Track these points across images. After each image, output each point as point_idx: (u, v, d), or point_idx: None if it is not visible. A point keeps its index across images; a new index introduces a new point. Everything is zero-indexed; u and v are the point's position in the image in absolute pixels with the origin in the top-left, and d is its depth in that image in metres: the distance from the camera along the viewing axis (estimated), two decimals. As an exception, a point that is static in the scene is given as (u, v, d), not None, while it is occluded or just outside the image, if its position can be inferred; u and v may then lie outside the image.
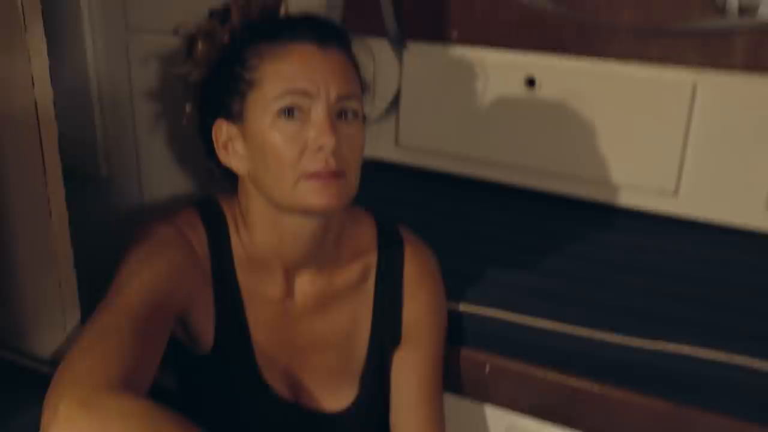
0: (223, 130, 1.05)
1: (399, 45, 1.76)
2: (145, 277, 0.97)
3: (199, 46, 1.07)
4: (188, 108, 1.12)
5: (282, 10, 1.09)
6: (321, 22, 1.04)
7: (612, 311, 1.24)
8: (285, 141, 0.98)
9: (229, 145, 1.05)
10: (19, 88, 1.07)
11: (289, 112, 0.99)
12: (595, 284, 1.33)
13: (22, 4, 1.02)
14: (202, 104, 1.09)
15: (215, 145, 1.06)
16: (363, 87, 1.08)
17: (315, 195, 0.98)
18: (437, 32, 1.71)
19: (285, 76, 0.99)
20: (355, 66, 1.06)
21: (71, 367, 0.82)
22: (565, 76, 1.60)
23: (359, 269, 1.15)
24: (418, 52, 1.76)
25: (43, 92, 1.08)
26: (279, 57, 1.00)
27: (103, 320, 0.90)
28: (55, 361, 1.21)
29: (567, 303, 1.26)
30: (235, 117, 1.03)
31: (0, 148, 1.14)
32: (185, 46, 1.09)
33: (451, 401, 1.24)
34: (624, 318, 1.21)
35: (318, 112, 0.99)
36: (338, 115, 1.00)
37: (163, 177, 1.77)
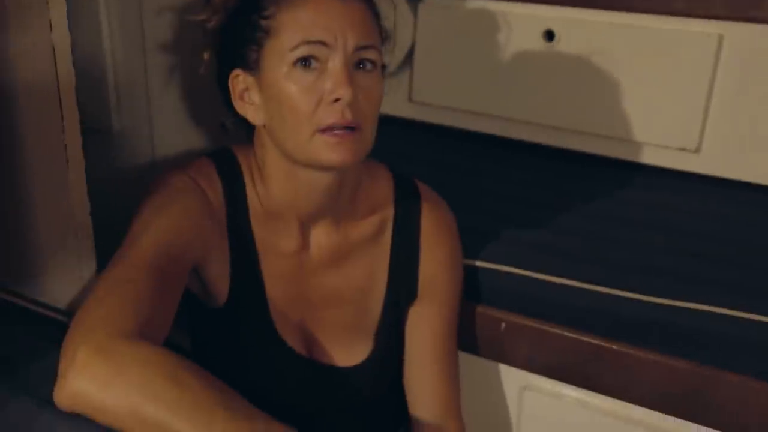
0: (239, 80, 1.03)
1: (413, 0, 1.73)
2: (159, 226, 0.97)
3: None
4: (206, 56, 1.10)
5: None
6: None
7: (631, 269, 1.22)
8: (301, 92, 0.97)
9: (246, 95, 1.04)
10: (40, 54, 1.07)
11: (305, 62, 0.97)
12: (613, 242, 1.31)
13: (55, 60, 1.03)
14: (219, 52, 1.07)
15: (231, 95, 1.05)
16: (383, 36, 1.05)
17: (330, 150, 0.97)
18: (453, -15, 1.68)
19: (302, 26, 0.97)
20: (375, 15, 1.04)
21: (88, 316, 0.83)
22: (586, 30, 1.56)
23: (375, 223, 1.14)
24: (433, 5, 1.72)
25: (64, 59, 1.08)
26: (296, 5, 0.97)
27: (118, 270, 0.90)
28: (71, 310, 1.21)
29: (585, 261, 1.24)
30: (252, 66, 1.01)
31: (19, 103, 1.13)
32: None
33: (465, 359, 1.23)
34: (643, 276, 1.20)
35: (335, 63, 0.96)
36: (356, 64, 0.98)
37: (175, 132, 1.75)
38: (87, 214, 1.19)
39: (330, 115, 0.96)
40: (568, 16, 1.58)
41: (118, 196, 1.83)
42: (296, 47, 0.96)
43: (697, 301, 1.13)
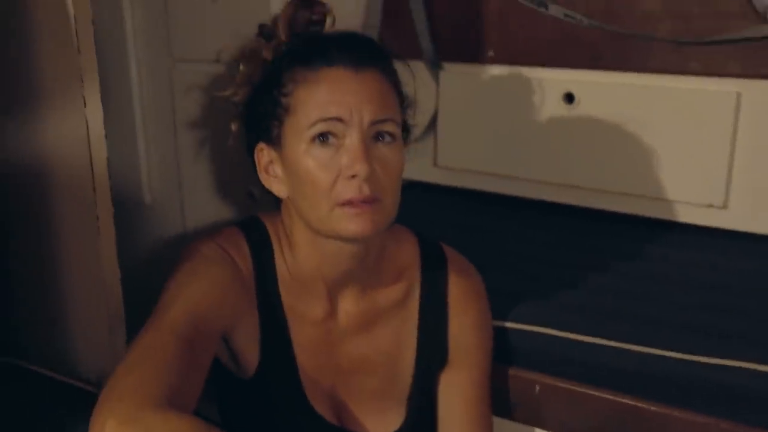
0: (264, 153, 1.06)
1: (436, 66, 1.77)
2: (189, 295, 0.98)
3: (242, 67, 1.09)
4: (234, 127, 1.13)
5: (328, 24, 1.09)
6: (357, 42, 1.04)
7: (663, 327, 1.21)
8: (319, 167, 0.99)
9: (270, 167, 1.06)
10: (75, 135, 1.11)
11: (322, 138, 0.99)
12: (643, 300, 1.31)
13: (81, 61, 1.06)
14: (246, 125, 1.10)
15: (257, 168, 1.07)
16: (404, 104, 1.07)
17: (349, 222, 0.98)
18: (473, 53, 1.71)
19: (318, 103, 0.99)
20: (395, 84, 1.06)
21: (117, 385, 0.83)
22: (605, 91, 1.59)
23: (402, 288, 1.14)
24: (454, 72, 1.76)
25: (97, 140, 1.12)
26: (312, 83, 1.00)
27: (148, 338, 0.91)
28: (101, 380, 1.22)
29: (615, 319, 1.24)
30: (274, 141, 1.04)
31: (53, 180, 1.17)
32: (229, 68, 1.12)
33: (500, 424, 1.22)
34: (676, 333, 1.19)
35: (352, 139, 0.98)
36: (374, 137, 1.00)
37: (205, 203, 1.79)
38: (118, 283, 1.21)
39: (348, 191, 0.97)
40: (586, 78, 1.60)
41: (150, 267, 1.87)
42: (313, 124, 0.98)
43: (731, 358, 1.11)
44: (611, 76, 1.58)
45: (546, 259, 1.49)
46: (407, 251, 1.16)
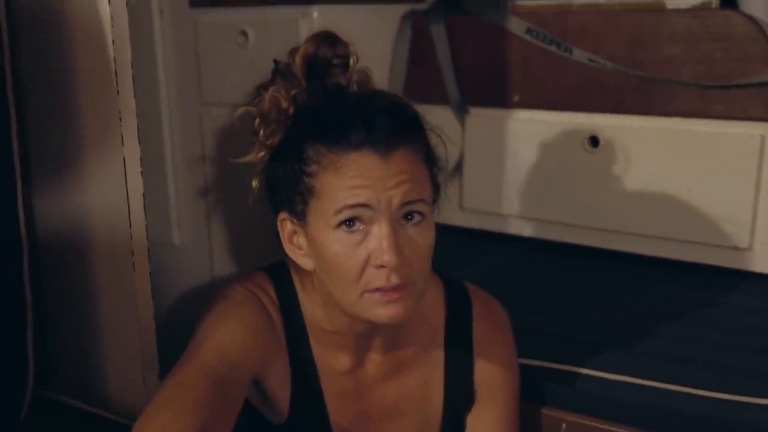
0: (287, 224, 1.02)
1: (461, 111, 1.79)
2: (220, 337, 0.98)
3: (261, 129, 1.04)
4: (255, 184, 1.09)
5: (351, 64, 1.05)
6: (386, 117, 0.96)
7: (690, 365, 1.22)
8: (347, 254, 0.95)
9: (294, 238, 1.02)
10: (113, 170, 1.14)
11: (349, 223, 0.94)
12: (670, 339, 1.31)
13: (120, 102, 1.09)
14: (267, 190, 1.06)
15: (281, 236, 1.04)
16: (435, 168, 1.03)
17: (380, 308, 0.96)
18: (499, 97, 1.74)
19: (344, 191, 0.94)
20: (426, 156, 1.00)
21: (148, 422, 0.84)
22: (629, 135, 1.60)
23: (428, 332, 1.13)
24: (480, 116, 1.78)
25: (134, 178, 1.14)
26: (336, 168, 0.94)
27: (179, 377, 0.91)
28: (133, 415, 1.24)
29: (642, 357, 1.25)
30: (298, 216, 0.99)
31: (90, 215, 1.19)
32: (252, 126, 1.07)
33: (527, 463, 1.22)
34: (703, 372, 1.19)
35: (380, 227, 0.94)
36: (403, 216, 0.96)
37: (234, 247, 1.82)
38: (152, 321, 1.23)
39: (377, 279, 0.94)
40: (611, 122, 1.62)
41: (179, 307, 1.89)
42: (339, 211, 0.94)
43: (757, 396, 1.11)
44: (635, 119, 1.60)
45: (570, 300, 1.50)
46: (432, 293, 1.13)
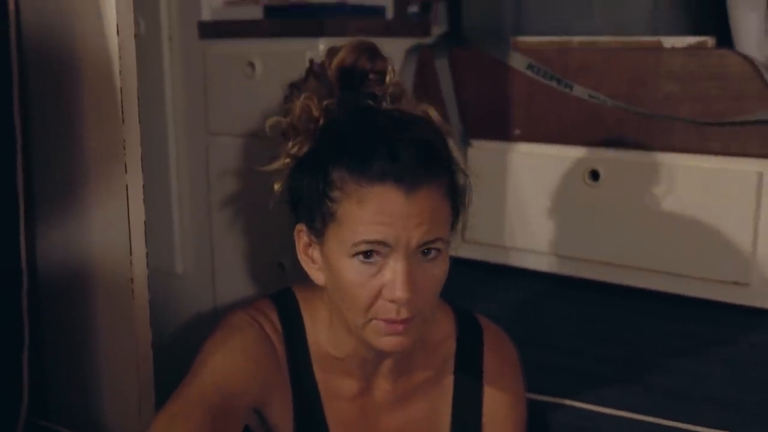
0: (303, 236, 1.02)
1: (464, 144, 1.81)
2: (219, 366, 0.98)
3: (291, 138, 1.03)
4: (277, 187, 1.06)
5: (388, 80, 1.03)
6: (414, 152, 0.94)
7: (694, 401, 1.22)
8: (360, 284, 0.95)
9: (309, 251, 1.03)
10: (115, 198, 1.15)
11: (366, 254, 0.94)
12: (669, 373, 1.31)
13: (124, 131, 1.10)
14: (288, 199, 1.05)
15: (296, 246, 1.04)
16: (458, 202, 1.02)
17: (383, 337, 0.97)
18: (500, 130, 1.76)
19: (364, 225, 0.93)
20: (450, 193, 1.00)
21: None
22: (629, 169, 1.62)
23: (437, 360, 1.12)
24: (482, 149, 1.80)
25: (136, 206, 1.15)
26: (359, 199, 0.93)
27: (176, 406, 0.91)
28: (129, 444, 1.24)
29: (647, 393, 1.25)
30: (316, 232, 1.00)
31: (90, 242, 1.21)
32: (281, 132, 1.05)
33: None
34: (707, 408, 1.20)
35: (396, 263, 0.94)
36: (420, 251, 0.95)
37: (237, 275, 1.83)
38: (149, 349, 1.23)
39: (386, 311, 0.95)
40: (611, 156, 1.63)
41: (180, 335, 1.90)
42: (358, 244, 0.94)
43: (756, 433, 1.11)
44: (635, 154, 1.61)
45: (572, 333, 1.50)
46: (443, 323, 1.13)
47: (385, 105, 1.03)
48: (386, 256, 0.94)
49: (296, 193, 1.02)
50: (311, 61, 1.05)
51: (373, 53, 1.03)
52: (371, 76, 1.03)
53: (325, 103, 1.01)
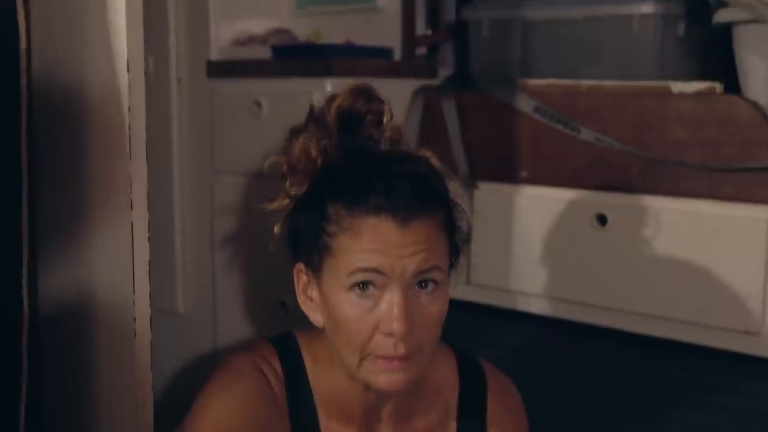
0: (302, 275, 1.03)
1: (470, 186, 1.81)
2: (218, 409, 0.97)
3: (289, 178, 1.04)
4: (277, 229, 1.07)
5: (385, 122, 1.04)
6: (410, 186, 0.96)
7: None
8: (356, 318, 0.95)
9: (308, 290, 1.03)
10: (120, 235, 1.14)
11: (361, 286, 0.95)
12: (677, 424, 1.29)
13: (131, 167, 1.10)
14: (287, 238, 1.06)
15: (296, 286, 1.04)
16: (455, 238, 1.02)
17: (380, 375, 0.96)
18: (507, 173, 1.75)
19: (359, 254, 0.94)
20: (447, 226, 1.00)
21: None
22: (637, 214, 1.61)
23: (440, 406, 1.11)
24: (488, 191, 1.80)
25: (141, 244, 1.14)
26: (354, 231, 0.94)
27: None
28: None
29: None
30: (314, 269, 1.00)
31: (92, 281, 1.19)
32: (279, 174, 1.06)
33: None
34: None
35: (392, 295, 0.94)
36: (417, 284, 0.96)
37: (238, 316, 1.81)
38: (150, 391, 1.21)
39: (383, 347, 0.94)
40: (619, 201, 1.63)
41: (181, 375, 1.87)
42: (352, 273, 0.94)
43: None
44: (643, 199, 1.60)
45: (577, 380, 1.48)
46: (445, 368, 1.12)
47: (383, 147, 1.04)
48: (382, 288, 0.94)
49: (295, 232, 1.03)
50: (311, 107, 1.07)
51: (370, 95, 1.04)
52: (368, 117, 1.03)
53: (323, 143, 1.02)
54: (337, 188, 0.97)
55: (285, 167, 1.04)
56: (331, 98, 1.04)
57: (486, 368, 1.14)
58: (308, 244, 1.00)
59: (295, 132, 1.05)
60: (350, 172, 0.98)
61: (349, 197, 0.95)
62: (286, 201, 1.04)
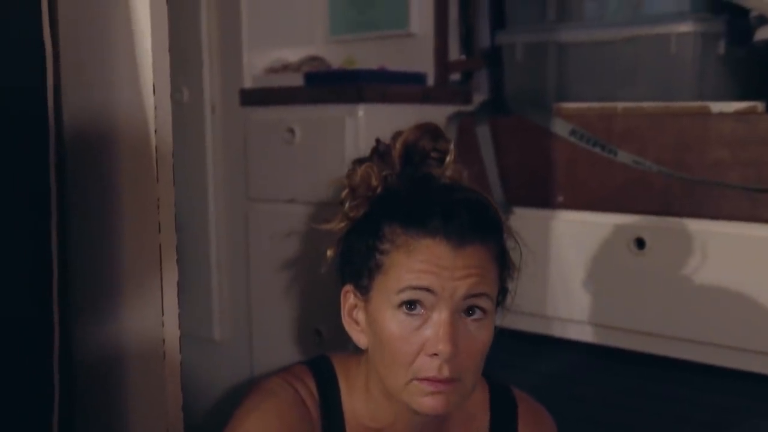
0: (349, 297, 1.04)
1: (506, 211, 1.78)
2: (252, 428, 0.98)
3: (349, 201, 1.06)
4: (330, 253, 1.09)
5: (447, 162, 1.05)
6: (465, 212, 0.98)
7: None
8: (402, 337, 0.96)
9: (354, 312, 1.04)
10: (148, 270, 1.14)
11: (410, 305, 0.96)
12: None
13: (158, 206, 1.10)
14: (339, 261, 1.07)
15: (341, 308, 1.05)
16: (505, 271, 1.03)
17: (424, 398, 0.96)
18: (543, 198, 1.73)
19: (410, 270, 0.95)
20: (498, 255, 1.02)
21: None
22: (676, 237, 1.57)
23: None
24: (524, 217, 1.77)
25: (170, 283, 1.14)
26: (408, 249, 0.96)
27: None
28: None
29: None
30: (362, 290, 1.01)
31: (124, 310, 1.20)
32: (340, 196, 1.09)
33: None
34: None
35: (440, 315, 0.95)
36: (465, 311, 0.97)
37: (274, 343, 1.81)
38: (180, 414, 1.21)
39: (428, 369, 0.94)
40: (657, 224, 1.59)
41: (217, 403, 1.87)
42: (402, 290, 0.96)
43: None
44: (683, 222, 1.56)
45: (616, 407, 1.44)
46: (477, 396, 1.12)
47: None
48: (430, 309, 0.94)
49: (348, 253, 1.05)
50: (377, 140, 1.09)
51: (437, 134, 1.07)
52: (433, 154, 1.06)
53: (384, 173, 1.04)
54: (395, 209, 1.00)
55: (346, 191, 1.06)
56: (398, 133, 1.07)
57: (517, 395, 1.14)
58: (360, 264, 1.01)
59: (358, 161, 1.08)
60: (410, 195, 1.01)
61: (408, 218, 0.98)
62: (343, 223, 1.06)
